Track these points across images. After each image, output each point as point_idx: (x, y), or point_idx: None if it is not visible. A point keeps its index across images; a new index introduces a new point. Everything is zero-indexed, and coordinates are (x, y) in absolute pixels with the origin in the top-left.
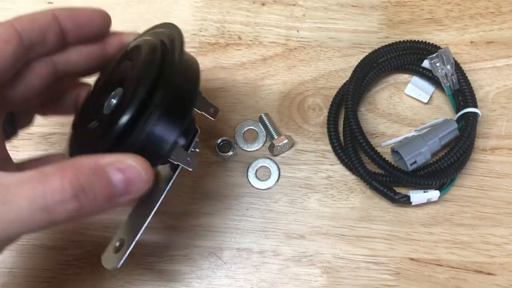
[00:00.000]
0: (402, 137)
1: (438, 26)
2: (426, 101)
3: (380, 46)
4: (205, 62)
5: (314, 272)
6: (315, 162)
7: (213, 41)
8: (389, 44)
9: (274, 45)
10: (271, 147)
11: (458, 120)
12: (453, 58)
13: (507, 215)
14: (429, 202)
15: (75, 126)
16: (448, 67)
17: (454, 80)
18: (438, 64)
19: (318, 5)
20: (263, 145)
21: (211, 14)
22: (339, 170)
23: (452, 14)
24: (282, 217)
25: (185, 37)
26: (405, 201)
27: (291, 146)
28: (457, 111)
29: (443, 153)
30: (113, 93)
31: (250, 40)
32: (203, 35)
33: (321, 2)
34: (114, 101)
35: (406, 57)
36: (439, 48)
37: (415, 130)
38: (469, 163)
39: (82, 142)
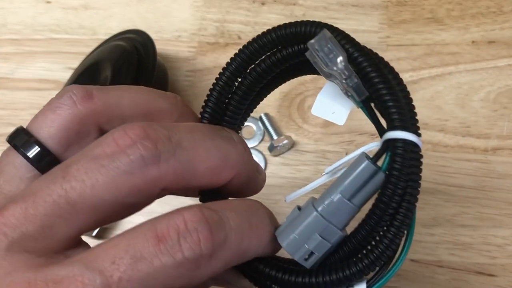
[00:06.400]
0: (309, 187)
1: (439, 25)
2: (342, 123)
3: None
4: (204, 62)
5: None
6: (315, 163)
7: (212, 41)
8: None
9: None
10: (271, 147)
11: (381, 152)
12: (350, 45)
13: (508, 216)
14: (428, 204)
15: None
16: (339, 61)
17: (353, 83)
18: (318, 59)
19: (318, 4)
20: (259, 143)
21: (210, 13)
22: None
23: (454, 14)
24: (282, 218)
25: (184, 37)
26: None
27: (291, 147)
28: (380, 134)
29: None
30: None
31: None
32: (203, 35)
33: (322, 1)
34: None
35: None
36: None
37: (324, 173)
38: (470, 164)
39: None
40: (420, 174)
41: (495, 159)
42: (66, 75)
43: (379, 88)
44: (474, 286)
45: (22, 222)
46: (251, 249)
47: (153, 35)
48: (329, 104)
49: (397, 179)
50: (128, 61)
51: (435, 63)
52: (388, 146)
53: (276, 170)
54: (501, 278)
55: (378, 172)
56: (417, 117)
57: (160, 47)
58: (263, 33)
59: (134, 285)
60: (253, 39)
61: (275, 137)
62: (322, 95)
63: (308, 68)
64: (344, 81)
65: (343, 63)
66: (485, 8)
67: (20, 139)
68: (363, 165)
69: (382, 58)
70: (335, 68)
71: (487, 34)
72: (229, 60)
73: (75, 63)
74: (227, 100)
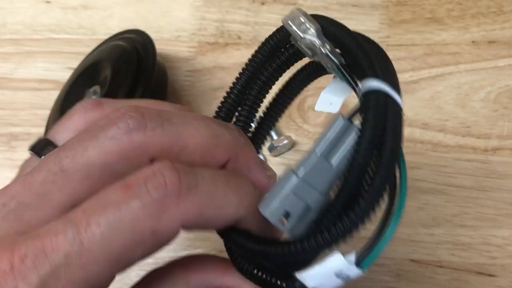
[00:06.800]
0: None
1: (439, 25)
2: (336, 110)
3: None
4: (204, 62)
5: None
6: None
7: (212, 41)
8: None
9: None
10: (271, 148)
11: (356, 109)
12: (323, 20)
13: (508, 216)
14: (428, 204)
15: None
16: (310, 31)
17: (326, 51)
18: (293, 34)
19: (318, 4)
20: None
21: (210, 13)
22: None
23: (454, 14)
24: None
25: (183, 37)
26: None
27: (291, 147)
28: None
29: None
30: (91, 89)
31: (250, 40)
32: (202, 35)
33: (322, 1)
34: (94, 97)
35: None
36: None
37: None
38: (470, 164)
39: None
40: (400, 128)
41: (495, 159)
42: (66, 75)
43: (350, 48)
44: (474, 286)
45: (20, 191)
46: (229, 205)
47: (152, 35)
48: (328, 99)
49: (372, 129)
50: (128, 61)
51: (435, 63)
52: (364, 98)
53: (276, 170)
54: (501, 278)
55: (352, 126)
56: (418, 117)
57: (159, 47)
58: (263, 43)
59: (102, 229)
60: (256, 50)
61: (275, 137)
62: (325, 93)
63: (318, 71)
64: (318, 51)
65: (315, 33)
66: (485, 8)
67: (41, 147)
68: (337, 121)
69: (360, 34)
70: (307, 38)
71: (487, 34)
72: (237, 75)
73: (75, 63)
74: (236, 113)
